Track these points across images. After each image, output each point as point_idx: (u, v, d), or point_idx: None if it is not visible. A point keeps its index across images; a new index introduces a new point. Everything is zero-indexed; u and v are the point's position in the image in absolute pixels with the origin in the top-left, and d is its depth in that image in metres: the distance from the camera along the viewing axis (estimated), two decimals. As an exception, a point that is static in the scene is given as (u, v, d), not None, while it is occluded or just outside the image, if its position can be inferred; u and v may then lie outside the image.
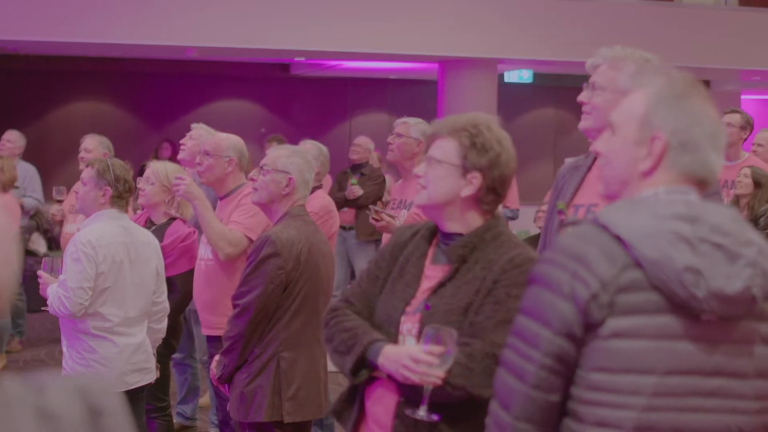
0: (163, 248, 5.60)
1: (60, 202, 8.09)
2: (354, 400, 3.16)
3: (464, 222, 3.09)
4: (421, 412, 2.89)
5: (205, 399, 7.59)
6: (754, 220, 7.47)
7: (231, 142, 5.78)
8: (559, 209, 3.69)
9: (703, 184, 2.28)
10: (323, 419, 6.17)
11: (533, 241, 6.54)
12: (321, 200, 6.31)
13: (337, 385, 6.17)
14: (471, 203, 3.07)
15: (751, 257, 2.16)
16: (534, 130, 18.12)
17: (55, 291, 4.94)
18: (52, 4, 12.22)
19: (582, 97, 3.58)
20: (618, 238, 2.16)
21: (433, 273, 3.08)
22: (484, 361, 2.86)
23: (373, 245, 10.06)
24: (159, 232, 5.92)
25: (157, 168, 6.07)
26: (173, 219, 6.11)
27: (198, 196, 5.50)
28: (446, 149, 3.07)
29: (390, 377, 2.98)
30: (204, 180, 5.70)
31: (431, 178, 3.08)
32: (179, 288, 5.86)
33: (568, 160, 4.01)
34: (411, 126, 6.39)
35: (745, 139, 8.24)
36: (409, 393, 2.94)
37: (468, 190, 3.05)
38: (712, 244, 2.15)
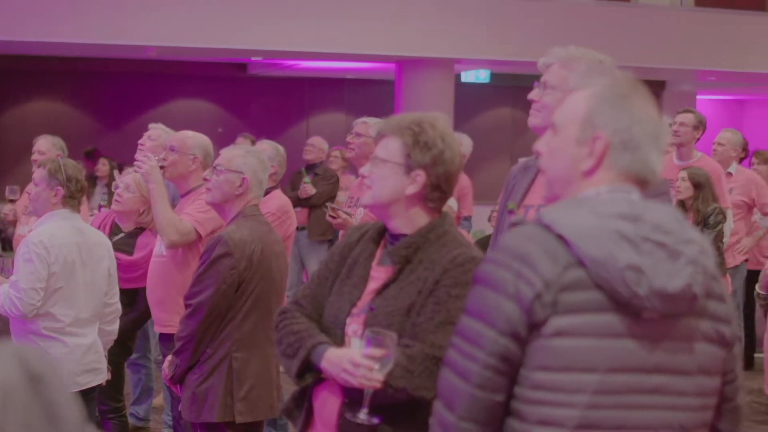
0: (135, 261, 5.57)
1: (13, 201, 8.02)
2: (304, 400, 3.17)
3: (410, 220, 3.10)
4: (362, 416, 2.92)
5: (159, 399, 7.56)
6: (703, 221, 7.53)
7: (197, 140, 5.76)
8: (509, 209, 3.72)
9: (644, 183, 2.30)
10: (276, 419, 6.17)
11: (488, 240, 6.58)
12: (278, 200, 6.31)
13: (291, 384, 6.15)
14: (416, 201, 3.09)
15: (692, 255, 2.18)
16: (491, 130, 18.19)
17: (6, 291, 4.91)
18: (5, 4, 12.12)
19: (532, 95, 3.61)
20: (561, 238, 2.17)
21: (378, 274, 3.10)
22: (425, 362, 2.87)
23: (325, 245, 10.07)
24: (128, 240, 5.90)
25: (139, 179, 6.02)
26: (142, 229, 6.09)
27: (157, 180, 5.46)
28: (390, 148, 3.09)
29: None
30: (167, 175, 5.68)
31: (376, 178, 3.10)
32: (142, 302, 5.84)
33: (521, 161, 4.03)
34: (370, 126, 6.42)
35: (698, 139, 8.32)
36: (352, 395, 2.96)
37: (412, 188, 3.06)
38: (654, 243, 2.17)
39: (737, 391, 2.35)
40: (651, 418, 2.19)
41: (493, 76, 17.35)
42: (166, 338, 5.41)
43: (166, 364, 4.74)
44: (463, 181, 9.86)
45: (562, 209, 2.24)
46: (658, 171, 2.31)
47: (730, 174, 8.65)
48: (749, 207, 8.74)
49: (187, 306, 4.54)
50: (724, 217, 7.72)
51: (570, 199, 2.28)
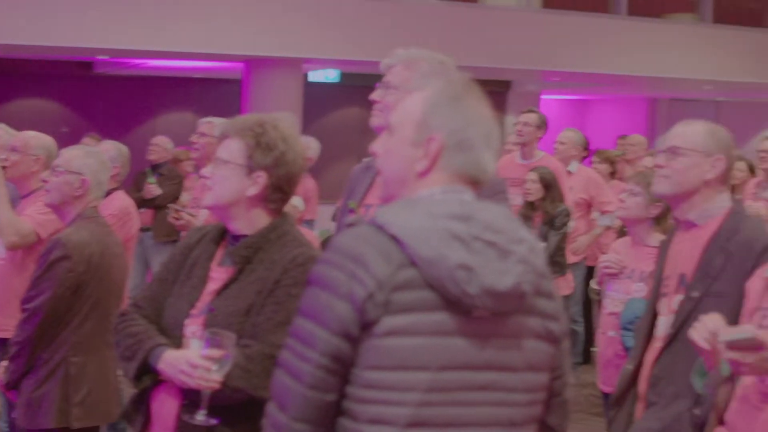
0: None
1: None
2: (142, 403, 3.14)
3: (250, 222, 3.11)
4: (200, 417, 2.91)
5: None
6: (550, 221, 7.69)
7: (41, 141, 5.65)
8: (350, 208, 3.75)
9: (476, 184, 2.33)
10: (115, 423, 6.07)
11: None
12: (120, 201, 6.22)
13: (131, 388, 6.07)
14: (257, 202, 3.10)
15: (522, 254, 2.23)
16: (340, 130, 18.22)
17: None
18: None
19: (375, 95, 3.65)
20: (394, 238, 2.20)
21: (218, 275, 3.10)
22: (264, 362, 2.88)
23: (170, 246, 9.96)
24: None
25: None
26: None
27: None
28: (232, 149, 3.10)
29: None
30: (8, 176, 5.55)
31: (217, 179, 3.11)
32: None
33: (365, 160, 4.06)
34: (215, 126, 6.38)
35: (540, 138, 8.49)
36: (191, 396, 2.95)
37: (253, 190, 3.08)
38: (484, 242, 2.20)
39: (565, 386, 2.41)
40: (481, 415, 2.22)
41: (342, 75, 17.41)
42: (2, 343, 5.28)
43: (1, 369, 4.62)
44: (308, 183, 9.87)
45: (396, 210, 2.26)
46: (491, 171, 2.35)
47: (570, 173, 8.85)
48: (588, 205, 8.94)
49: (23, 310, 4.43)
50: (571, 219, 7.90)
51: (404, 200, 2.31)
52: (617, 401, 3.80)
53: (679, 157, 3.58)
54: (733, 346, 2.75)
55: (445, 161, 2.30)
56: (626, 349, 4.62)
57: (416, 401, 2.17)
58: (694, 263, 3.54)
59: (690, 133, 3.64)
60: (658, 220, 5.20)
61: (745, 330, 2.79)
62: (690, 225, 3.62)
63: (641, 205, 5.21)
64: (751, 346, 2.72)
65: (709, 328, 2.86)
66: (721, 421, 3.07)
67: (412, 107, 2.36)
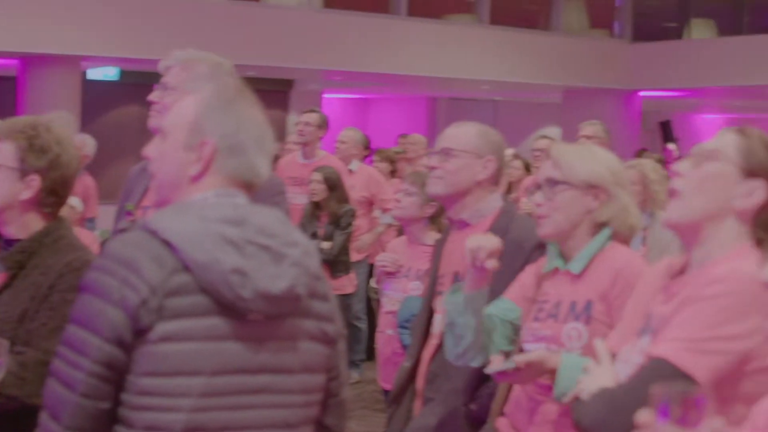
0: None
1: None
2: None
3: (24, 226, 3.05)
4: None
5: None
6: (336, 221, 7.75)
7: None
8: (127, 210, 3.71)
9: (249, 187, 2.34)
10: None
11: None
12: None
13: None
14: (30, 206, 3.04)
15: (296, 257, 2.25)
16: (120, 129, 17.85)
17: None
18: None
19: (153, 96, 3.63)
20: (167, 243, 2.18)
21: None
22: (38, 369, 2.81)
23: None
24: None
25: None
26: None
27: None
28: (4, 152, 3.04)
29: None
30: None
31: None
32: None
33: (142, 163, 4.01)
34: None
35: (321, 138, 8.56)
36: None
37: (26, 194, 3.02)
38: (258, 246, 2.21)
39: (342, 386, 2.44)
40: (257, 417, 2.23)
41: (122, 73, 17.08)
42: None
43: None
44: (87, 181, 9.65)
45: (169, 214, 2.25)
46: (264, 174, 2.36)
47: (351, 171, 8.93)
48: (370, 204, 9.05)
49: None
50: (355, 219, 7.98)
51: (177, 204, 2.30)
52: (395, 399, 3.85)
53: (451, 159, 3.63)
54: (500, 375, 2.86)
55: (218, 165, 2.30)
56: (404, 347, 4.70)
57: (191, 407, 2.16)
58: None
59: (461, 134, 3.69)
60: (434, 219, 5.31)
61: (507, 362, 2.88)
62: (463, 224, 3.68)
63: (416, 204, 5.31)
64: (517, 369, 2.83)
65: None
66: (501, 413, 3.17)
67: (184, 111, 2.35)
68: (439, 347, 3.61)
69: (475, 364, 3.19)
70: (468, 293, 3.17)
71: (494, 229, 3.54)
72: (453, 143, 3.67)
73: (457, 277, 3.65)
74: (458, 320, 3.18)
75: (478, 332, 3.15)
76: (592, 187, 3.06)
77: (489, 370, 2.88)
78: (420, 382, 3.72)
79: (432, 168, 3.70)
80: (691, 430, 1.58)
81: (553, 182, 3.09)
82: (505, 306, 3.19)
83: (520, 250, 3.36)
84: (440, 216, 5.22)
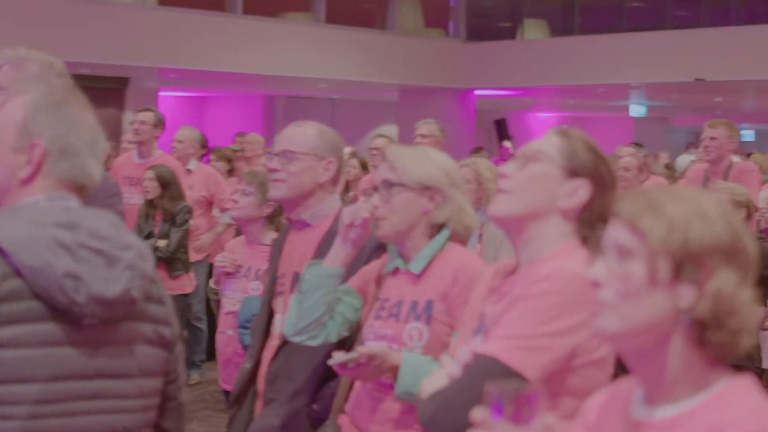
0: None
1: None
2: None
3: None
4: None
5: None
6: (171, 219, 7.66)
7: None
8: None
9: (82, 190, 2.30)
10: None
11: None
12: None
13: None
14: None
15: (130, 260, 2.22)
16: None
17: None
18: None
19: (-16, 97, 3.51)
20: (-3, 248, 2.13)
21: None
22: None
23: None
24: None
25: None
26: None
27: None
28: None
29: None
30: None
31: None
32: None
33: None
34: None
35: (158, 137, 8.45)
36: None
37: None
38: (91, 250, 2.17)
39: (180, 389, 2.42)
40: (94, 423, 2.20)
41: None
42: None
43: None
44: None
45: None
46: (97, 177, 2.33)
47: (189, 171, 8.85)
48: (209, 203, 8.98)
49: None
50: (192, 216, 7.91)
51: (7, 208, 2.25)
52: (236, 400, 3.81)
53: (293, 162, 3.61)
54: (344, 366, 2.89)
55: (49, 168, 2.26)
56: (245, 347, 4.68)
57: (26, 414, 2.11)
58: (308, 262, 3.57)
59: (302, 136, 3.67)
60: (272, 219, 5.30)
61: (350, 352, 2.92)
62: (304, 225, 3.67)
63: (254, 204, 5.29)
64: (360, 360, 2.86)
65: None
66: (343, 411, 3.18)
67: (13, 112, 2.30)
68: (281, 348, 3.60)
69: (312, 342, 3.19)
70: (328, 268, 3.18)
71: (335, 229, 3.55)
72: (294, 146, 3.64)
73: (297, 278, 3.63)
74: (312, 293, 3.17)
75: (325, 311, 3.15)
76: (428, 189, 3.09)
77: (332, 361, 2.90)
78: (261, 383, 3.71)
79: (273, 171, 3.66)
80: (524, 426, 1.62)
81: (388, 184, 3.11)
82: (347, 289, 3.21)
83: (361, 251, 3.37)
84: (278, 216, 5.22)
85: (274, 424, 3.53)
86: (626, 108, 25.64)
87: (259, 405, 3.73)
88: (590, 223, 2.47)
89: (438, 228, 3.11)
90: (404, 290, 3.08)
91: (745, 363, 5.41)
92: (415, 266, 3.07)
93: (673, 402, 1.75)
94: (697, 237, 1.72)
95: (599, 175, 2.49)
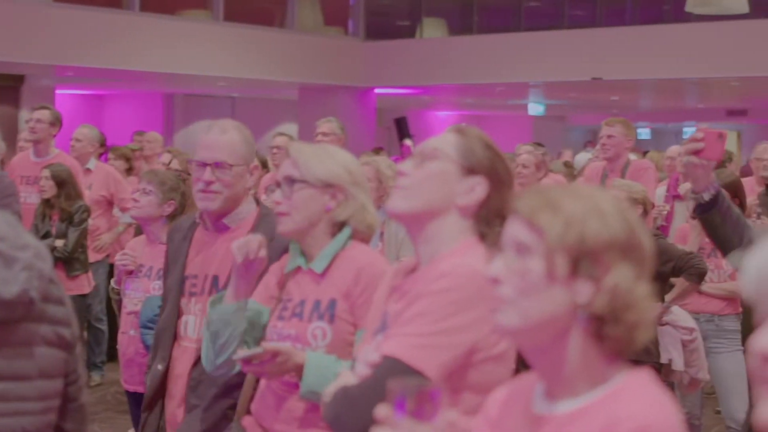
0: None
1: None
2: None
3: None
4: None
5: None
6: (68, 218, 7.56)
7: None
8: None
9: None
10: None
11: None
12: None
13: None
14: None
15: (28, 260, 2.19)
16: None
17: None
18: None
19: None
20: None
21: None
22: None
23: None
24: None
25: None
26: None
27: None
28: None
29: None
30: None
31: None
32: None
33: None
34: None
35: (55, 135, 8.33)
36: None
37: None
38: (-12, 250, 2.15)
39: (81, 390, 2.40)
40: (-7, 426, 2.17)
41: None
42: None
43: None
44: None
45: None
46: (-4, 177, 2.30)
47: (89, 170, 8.74)
48: (109, 202, 8.87)
49: None
50: (89, 215, 7.80)
51: None
52: (149, 404, 3.75)
53: (227, 173, 3.55)
54: (249, 361, 2.88)
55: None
56: (147, 347, 4.63)
57: None
58: (228, 266, 3.50)
59: (230, 145, 3.59)
60: (172, 218, 5.25)
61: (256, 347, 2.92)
62: (223, 228, 3.64)
63: (154, 203, 5.24)
64: (265, 357, 2.86)
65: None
66: (248, 411, 3.17)
67: None
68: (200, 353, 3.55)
69: (234, 371, 3.18)
70: (234, 302, 3.16)
71: (259, 231, 3.50)
72: (227, 157, 3.57)
73: (216, 282, 3.59)
74: (224, 331, 3.15)
75: (239, 343, 3.13)
76: (330, 187, 3.09)
77: (237, 356, 2.89)
78: (174, 385, 3.65)
79: (208, 183, 3.57)
80: (427, 422, 1.64)
81: (291, 181, 3.10)
82: (257, 310, 3.19)
83: (285, 251, 3.33)
84: (179, 215, 5.17)
85: (198, 430, 3.49)
86: (525, 107, 25.94)
87: (171, 407, 3.67)
88: (487, 220, 2.49)
89: (340, 226, 3.11)
90: (307, 289, 3.08)
91: (643, 358, 5.51)
92: (318, 265, 3.07)
93: (572, 396, 1.77)
94: (594, 233, 1.74)
95: (496, 173, 2.51)
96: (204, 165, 3.58)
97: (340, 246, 3.08)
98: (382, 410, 1.66)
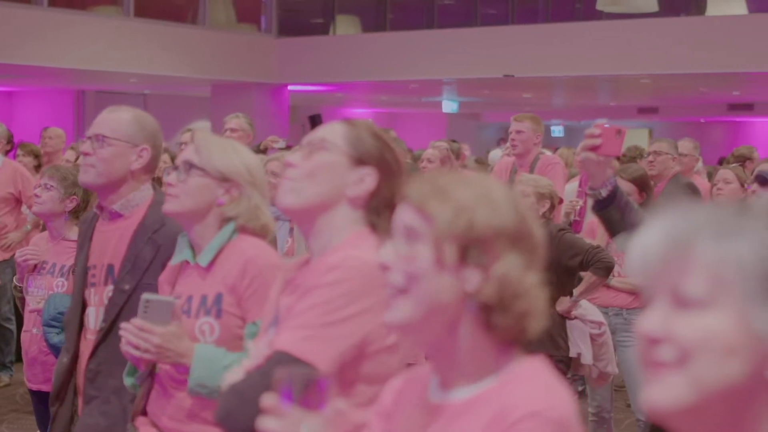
0: None
1: None
2: None
3: None
4: None
5: None
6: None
7: None
8: None
9: None
10: None
11: None
12: None
13: None
14: None
15: None
16: None
17: None
18: None
19: None
20: None
21: None
22: None
23: None
24: None
25: None
26: None
27: None
28: None
29: None
30: None
31: None
32: None
33: None
34: None
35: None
36: None
37: None
38: None
39: None
40: None
41: None
42: None
43: None
44: None
45: None
46: None
47: (-5, 167, 8.62)
48: (17, 200, 8.74)
49: None
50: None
51: None
52: (57, 396, 3.70)
53: (105, 146, 3.53)
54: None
55: None
56: (51, 346, 4.56)
57: None
58: (122, 255, 3.52)
59: (115, 121, 3.58)
60: (75, 213, 5.18)
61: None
62: (116, 215, 3.59)
63: (56, 198, 5.17)
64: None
65: (137, 332, 2.91)
66: (144, 412, 3.14)
67: None
68: (99, 344, 3.52)
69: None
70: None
71: (148, 220, 3.49)
72: (107, 130, 3.55)
73: (111, 271, 3.56)
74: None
75: None
76: (226, 180, 3.06)
77: (123, 333, 2.90)
78: (80, 378, 3.61)
79: (85, 154, 3.56)
80: (314, 412, 1.63)
81: (189, 165, 3.08)
82: None
83: (175, 243, 3.30)
84: (83, 210, 5.11)
85: (100, 424, 3.45)
86: (439, 104, 26.07)
87: (80, 401, 3.63)
88: (378, 210, 2.48)
89: (228, 222, 3.08)
90: (194, 285, 3.05)
91: (552, 351, 5.58)
92: (203, 259, 3.04)
93: (466, 385, 1.78)
94: (483, 221, 1.74)
95: (385, 163, 2.51)
96: (87, 138, 3.59)
97: (225, 239, 3.05)
98: (268, 399, 1.65)
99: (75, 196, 5.10)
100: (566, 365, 5.87)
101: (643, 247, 1.36)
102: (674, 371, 1.30)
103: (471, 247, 1.74)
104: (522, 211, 1.80)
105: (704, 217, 1.32)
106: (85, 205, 5.08)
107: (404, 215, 1.81)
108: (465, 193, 1.77)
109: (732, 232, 1.30)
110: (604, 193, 3.42)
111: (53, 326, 4.54)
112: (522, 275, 1.76)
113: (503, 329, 1.77)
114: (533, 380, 1.75)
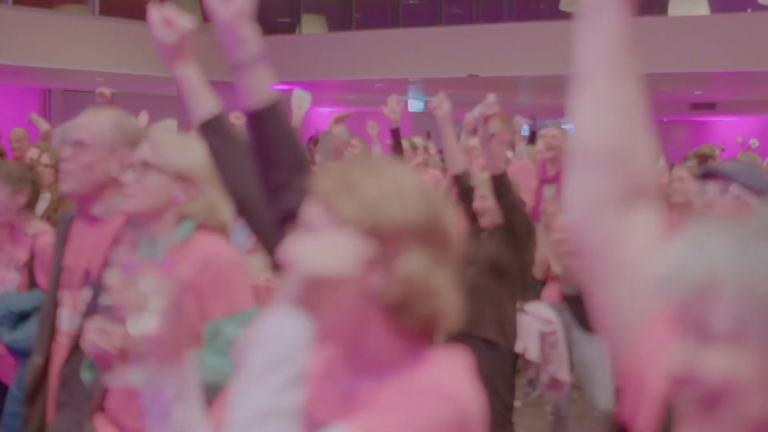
0: None
1: None
2: None
3: None
4: None
5: None
6: None
7: None
8: None
9: None
10: None
11: None
12: None
13: None
14: None
15: None
16: None
17: None
18: None
19: None
20: None
21: None
22: None
23: None
24: None
25: None
26: None
27: None
28: None
29: None
30: None
31: None
32: None
33: None
34: None
35: None
36: None
37: None
38: None
39: None
40: None
41: None
42: None
43: None
44: None
45: None
46: None
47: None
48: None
49: None
50: None
51: None
52: (30, 398, 3.63)
53: (85, 153, 3.42)
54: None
55: None
56: (6, 345, 4.54)
57: None
58: (99, 259, 3.38)
59: (95, 125, 3.46)
60: (30, 206, 5.13)
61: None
62: (94, 220, 3.48)
63: (4, 197, 5.10)
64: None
65: (98, 332, 2.86)
66: (102, 409, 3.11)
67: None
68: (73, 348, 3.41)
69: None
70: None
71: (132, 224, 3.43)
72: (85, 135, 3.44)
73: (88, 275, 3.47)
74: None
75: None
76: (182, 179, 3.06)
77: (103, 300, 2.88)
78: (53, 379, 3.51)
79: (65, 161, 3.45)
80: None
81: (145, 164, 3.06)
82: None
83: None
84: (34, 203, 5.05)
85: (72, 431, 3.37)
86: (405, 103, 26.11)
87: (52, 404, 3.52)
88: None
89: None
90: None
91: (499, 339, 5.57)
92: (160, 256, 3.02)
93: (375, 374, 1.70)
94: (390, 217, 1.64)
95: None
96: (68, 144, 3.48)
97: (183, 238, 3.01)
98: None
99: (25, 191, 5.03)
100: (513, 359, 5.78)
101: (666, 274, 1.28)
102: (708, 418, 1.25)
103: (376, 245, 1.63)
104: (435, 206, 1.70)
105: (728, 245, 1.25)
106: (35, 198, 5.03)
107: (311, 211, 1.70)
108: (373, 187, 1.67)
109: (755, 266, 1.23)
110: None
111: (4, 324, 4.52)
112: (429, 273, 1.65)
113: (412, 329, 1.67)
114: (442, 366, 1.68)
